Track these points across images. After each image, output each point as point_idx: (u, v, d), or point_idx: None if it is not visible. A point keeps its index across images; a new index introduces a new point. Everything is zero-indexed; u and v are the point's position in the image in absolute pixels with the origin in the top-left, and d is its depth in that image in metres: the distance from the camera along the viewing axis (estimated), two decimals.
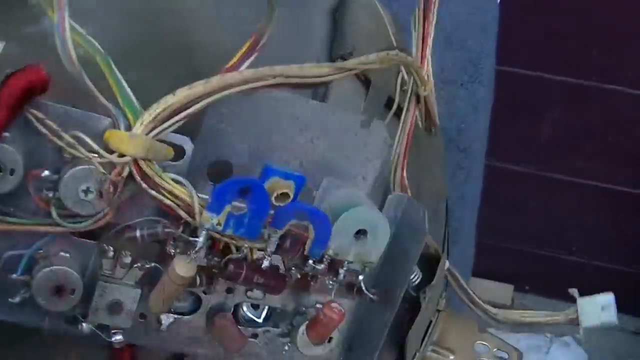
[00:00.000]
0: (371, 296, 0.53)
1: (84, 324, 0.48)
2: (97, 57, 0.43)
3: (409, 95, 0.59)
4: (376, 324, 0.55)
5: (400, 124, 0.59)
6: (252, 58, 0.48)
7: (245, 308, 0.54)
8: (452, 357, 0.58)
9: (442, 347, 0.62)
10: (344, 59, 0.57)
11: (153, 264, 0.48)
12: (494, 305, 1.65)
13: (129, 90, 0.45)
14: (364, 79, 0.60)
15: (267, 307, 0.55)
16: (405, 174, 0.58)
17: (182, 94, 0.45)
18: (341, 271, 0.51)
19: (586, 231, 2.00)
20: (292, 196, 0.50)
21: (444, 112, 0.84)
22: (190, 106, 0.46)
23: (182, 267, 0.47)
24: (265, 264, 0.49)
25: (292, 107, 0.51)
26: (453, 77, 0.80)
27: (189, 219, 0.47)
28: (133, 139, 0.44)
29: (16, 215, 0.45)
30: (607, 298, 0.57)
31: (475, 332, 0.61)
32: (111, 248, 0.47)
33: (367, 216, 0.50)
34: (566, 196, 1.90)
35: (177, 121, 0.46)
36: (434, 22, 0.60)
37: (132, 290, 0.48)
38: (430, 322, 0.62)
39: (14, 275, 0.46)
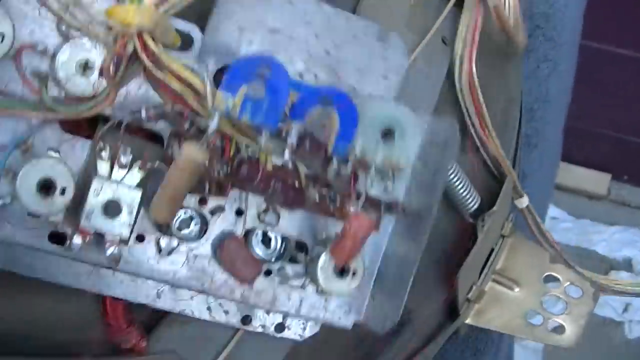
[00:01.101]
0: (402, 208, 0.47)
1: (74, 239, 0.41)
2: None
3: None
4: (407, 254, 0.48)
5: (464, 12, 0.51)
6: None
7: (255, 243, 0.47)
8: (517, 289, 0.50)
9: (506, 277, 0.54)
10: None
11: (157, 162, 0.42)
12: (589, 196, 1.53)
13: None
14: None
15: (280, 243, 0.48)
16: (474, 68, 0.51)
17: None
18: (368, 178, 0.45)
19: None
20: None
21: None
22: None
23: (193, 150, 0.40)
24: (286, 156, 0.42)
25: (307, 11, 0.46)
26: None
27: (199, 110, 0.41)
28: (140, 9, 0.39)
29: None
30: None
31: (546, 262, 0.53)
32: (108, 146, 0.41)
33: (394, 112, 0.45)
34: None
35: None
36: None
37: (132, 190, 0.41)
38: (492, 249, 0.55)
39: None
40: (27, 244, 0.41)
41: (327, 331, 0.49)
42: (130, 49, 0.40)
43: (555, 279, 0.50)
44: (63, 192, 0.40)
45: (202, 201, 0.45)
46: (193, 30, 0.43)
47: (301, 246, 0.48)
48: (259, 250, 0.47)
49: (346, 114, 0.43)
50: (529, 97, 0.72)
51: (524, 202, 0.55)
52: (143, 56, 0.40)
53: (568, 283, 0.47)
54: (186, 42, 0.43)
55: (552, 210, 1.59)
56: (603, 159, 1.79)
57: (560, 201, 1.63)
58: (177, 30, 0.42)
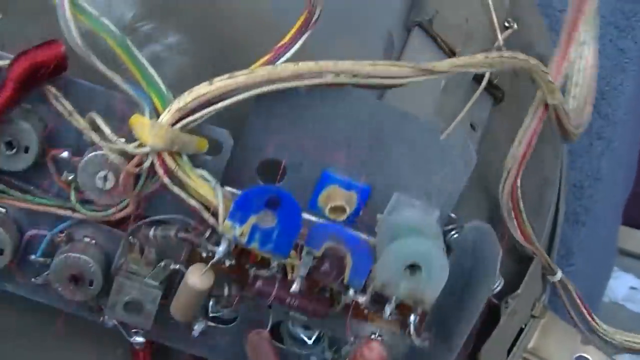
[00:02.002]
0: (421, 342, 0.44)
1: (105, 319, 0.45)
2: (107, 38, 0.38)
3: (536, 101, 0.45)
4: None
5: (522, 129, 0.46)
6: (306, 35, 0.41)
7: (292, 324, 0.47)
8: None
9: (537, 357, 0.54)
10: (421, 26, 0.47)
11: (178, 266, 0.43)
12: None
13: (154, 74, 0.40)
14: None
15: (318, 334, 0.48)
16: (518, 185, 0.46)
17: (220, 83, 0.39)
18: (387, 307, 0.43)
19: None
20: (349, 210, 0.43)
21: None
22: (228, 97, 0.40)
23: (196, 279, 0.42)
24: (295, 287, 0.42)
25: (358, 107, 0.42)
26: (600, 29, 0.59)
27: (214, 224, 0.41)
28: (154, 128, 0.39)
29: (36, 195, 0.43)
30: None
31: (577, 343, 0.53)
32: (137, 241, 0.43)
33: (420, 249, 0.41)
34: None
35: (209, 112, 0.40)
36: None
37: (153, 290, 0.43)
38: (522, 329, 0.54)
39: (33, 257, 0.43)
40: (70, 312, 0.46)
41: None
42: (147, 163, 0.40)
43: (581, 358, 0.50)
44: (91, 283, 0.43)
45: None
46: (223, 136, 0.42)
47: (333, 342, 0.47)
48: (298, 330, 0.47)
49: (359, 257, 0.41)
50: (580, 175, 0.70)
51: (556, 277, 0.54)
52: (160, 173, 0.40)
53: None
54: (216, 147, 0.42)
55: (632, 280, 1.46)
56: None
57: (629, 266, 1.43)
58: (206, 135, 0.41)
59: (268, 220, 0.40)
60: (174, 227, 0.42)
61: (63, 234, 0.44)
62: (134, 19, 0.44)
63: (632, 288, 1.51)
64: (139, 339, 0.45)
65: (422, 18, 0.48)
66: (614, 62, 0.82)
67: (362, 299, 0.42)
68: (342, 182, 0.43)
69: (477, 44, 0.50)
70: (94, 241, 0.44)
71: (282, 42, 0.41)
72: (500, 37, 0.52)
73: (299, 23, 0.40)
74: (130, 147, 0.39)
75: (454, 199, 0.44)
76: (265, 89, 0.40)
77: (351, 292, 0.42)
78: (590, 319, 0.53)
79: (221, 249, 0.41)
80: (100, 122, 0.40)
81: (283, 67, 0.40)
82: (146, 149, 0.39)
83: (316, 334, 0.47)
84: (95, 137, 0.40)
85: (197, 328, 0.45)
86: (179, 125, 0.40)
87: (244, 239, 0.40)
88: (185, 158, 0.41)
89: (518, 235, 0.49)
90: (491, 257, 0.43)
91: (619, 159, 0.78)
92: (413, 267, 0.41)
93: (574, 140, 0.50)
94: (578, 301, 0.53)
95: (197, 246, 0.42)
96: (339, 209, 0.43)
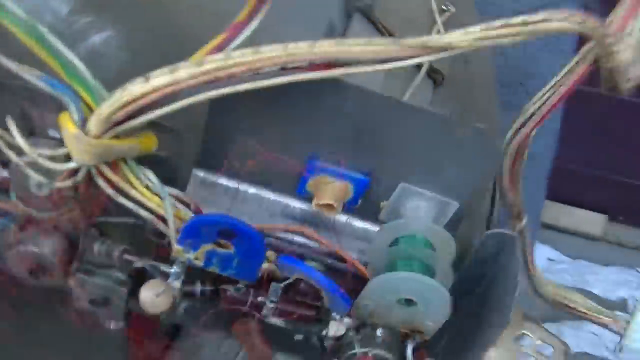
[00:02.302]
0: None
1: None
2: (9, 25, 0.30)
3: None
4: None
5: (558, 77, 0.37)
6: (264, 11, 0.32)
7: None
8: (491, 349, 0.43)
9: None
10: (362, 11, 0.43)
11: (142, 265, 0.37)
12: (585, 237, 1.57)
13: (79, 64, 0.31)
14: None
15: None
16: (532, 134, 0.38)
17: (159, 80, 0.31)
18: (379, 333, 0.36)
19: None
20: (338, 207, 0.36)
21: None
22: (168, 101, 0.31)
23: (150, 302, 0.35)
24: (265, 311, 0.36)
25: (341, 99, 0.35)
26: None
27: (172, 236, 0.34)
28: (80, 142, 0.31)
29: None
30: None
31: (519, 320, 0.45)
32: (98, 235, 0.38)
33: (416, 287, 0.34)
34: None
35: (147, 119, 0.32)
36: None
37: (117, 289, 0.38)
38: None
39: None
40: None
41: None
42: (80, 176, 0.33)
43: (527, 337, 0.43)
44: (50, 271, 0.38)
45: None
46: (174, 134, 0.35)
47: None
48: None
49: (334, 300, 0.35)
50: None
51: (522, 223, 0.46)
52: (101, 184, 0.33)
53: (539, 341, 0.41)
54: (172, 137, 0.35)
55: (549, 252, 1.57)
56: (599, 200, 1.75)
57: (557, 242, 1.58)
58: (160, 126, 0.34)
59: (224, 247, 0.33)
60: (118, 247, 0.36)
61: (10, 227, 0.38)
62: (70, 14, 0.36)
63: (550, 259, 1.60)
64: (112, 324, 0.40)
65: (362, 3, 0.43)
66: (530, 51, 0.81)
67: (347, 322, 0.36)
68: (331, 172, 0.36)
69: (416, 28, 0.47)
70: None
71: (238, 20, 0.31)
72: (439, 20, 0.47)
73: (252, 1, 0.31)
74: (55, 165, 0.32)
75: (476, 193, 0.38)
76: (214, 93, 0.31)
77: (334, 314, 0.36)
78: (531, 267, 0.46)
79: (174, 270, 0.35)
80: (17, 137, 0.32)
81: (237, 55, 0.30)
82: (73, 164, 0.32)
83: None
84: (13, 155, 0.33)
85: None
86: (110, 134, 0.32)
87: (200, 263, 0.34)
88: (130, 162, 0.33)
89: (506, 180, 0.40)
90: (512, 268, 0.37)
91: (541, 130, 0.77)
92: (408, 300, 0.34)
93: (623, 93, 0.41)
94: (528, 248, 0.46)
95: (145, 273, 0.36)
96: (329, 207, 0.36)
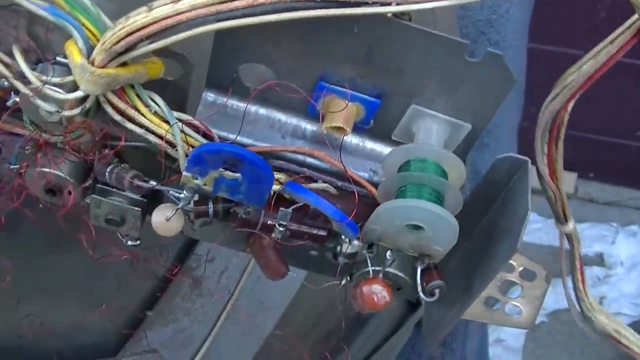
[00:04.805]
0: (430, 297, 0.37)
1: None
2: None
3: None
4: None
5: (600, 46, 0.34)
6: None
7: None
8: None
9: None
10: None
11: (153, 185, 0.37)
12: None
13: None
14: None
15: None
16: (569, 109, 0.36)
17: (160, 11, 0.31)
18: (389, 256, 0.37)
19: None
20: (348, 129, 0.36)
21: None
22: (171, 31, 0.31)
23: (162, 226, 0.36)
24: (276, 234, 0.37)
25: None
26: None
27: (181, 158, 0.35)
28: (85, 72, 0.32)
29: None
30: None
31: None
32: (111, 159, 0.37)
33: (424, 216, 0.34)
34: (628, 80, 1.64)
35: (150, 49, 0.32)
36: None
37: (132, 209, 0.38)
38: None
39: (9, 166, 0.38)
40: None
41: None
42: (89, 104, 0.33)
43: (510, 265, 0.43)
44: (70, 192, 0.38)
45: None
46: (181, 59, 0.35)
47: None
48: None
49: (342, 227, 0.35)
50: None
51: (568, 227, 0.43)
52: (108, 111, 0.34)
53: (522, 268, 0.41)
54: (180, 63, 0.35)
55: None
56: (568, 158, 1.51)
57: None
58: (168, 52, 0.34)
59: (231, 175, 0.34)
60: (129, 172, 0.36)
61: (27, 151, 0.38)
62: None
63: None
64: (131, 242, 0.41)
65: None
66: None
67: (357, 243, 0.37)
68: (341, 93, 0.36)
69: None
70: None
71: None
72: None
73: None
74: (62, 95, 0.33)
75: (488, 116, 0.37)
76: (226, 24, 0.31)
77: (344, 240, 0.37)
78: (582, 286, 0.43)
79: (184, 196, 0.35)
80: (24, 67, 0.33)
81: None
82: (80, 93, 0.33)
83: None
84: (21, 86, 0.33)
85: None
86: (115, 62, 0.32)
87: (209, 189, 0.34)
88: (137, 87, 0.34)
89: (543, 169, 0.40)
90: (524, 193, 0.37)
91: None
92: (416, 226, 0.34)
93: None
94: (577, 261, 0.43)
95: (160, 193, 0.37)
96: (339, 130, 0.36)
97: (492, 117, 0.37)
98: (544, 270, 0.42)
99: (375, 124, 0.38)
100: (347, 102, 0.36)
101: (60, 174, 0.37)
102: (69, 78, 0.33)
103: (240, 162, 0.33)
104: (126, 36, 0.31)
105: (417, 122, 0.37)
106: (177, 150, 0.34)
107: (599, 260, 1.70)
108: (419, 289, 0.37)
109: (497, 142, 0.76)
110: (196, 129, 0.35)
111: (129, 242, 0.41)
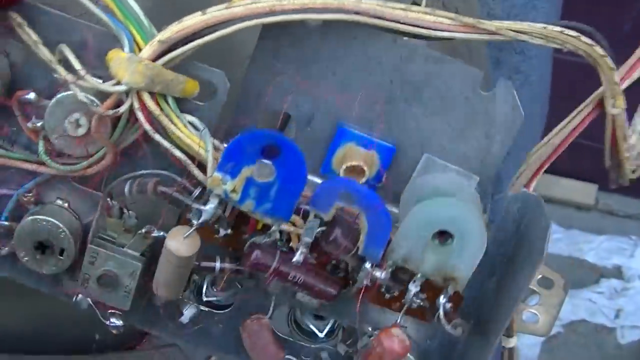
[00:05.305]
0: (453, 330, 0.37)
1: (78, 298, 0.38)
2: None
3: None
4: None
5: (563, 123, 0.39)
6: None
7: (300, 313, 0.41)
8: None
9: None
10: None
11: (162, 233, 0.36)
12: (577, 206, 1.59)
13: (133, 3, 0.33)
14: None
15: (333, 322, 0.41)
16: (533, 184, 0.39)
17: (216, 13, 0.33)
18: (412, 287, 0.35)
19: None
20: (368, 172, 0.36)
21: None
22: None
23: (176, 243, 0.34)
24: (297, 257, 0.35)
25: (381, 49, 0.35)
26: None
27: (202, 179, 0.35)
28: (132, 63, 0.32)
29: (7, 149, 0.36)
30: None
31: None
32: (115, 204, 0.36)
33: (454, 213, 0.33)
34: None
35: (198, 44, 0.33)
36: None
37: (132, 262, 0.36)
38: None
39: None
40: (31, 286, 0.39)
41: None
42: (125, 106, 0.33)
43: None
44: (61, 252, 0.36)
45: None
46: (217, 76, 0.35)
47: (351, 332, 0.41)
48: (308, 321, 0.40)
49: (376, 218, 0.34)
50: None
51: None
52: (140, 117, 0.34)
53: (540, 276, 0.41)
54: (209, 92, 0.35)
55: None
56: (590, 170, 1.74)
57: (550, 213, 1.48)
58: (197, 77, 0.34)
59: (265, 173, 0.33)
60: (152, 180, 0.35)
61: (31, 194, 0.37)
62: None
63: None
64: (117, 322, 0.38)
65: None
66: (525, 0, 0.83)
67: (379, 275, 0.35)
68: (361, 139, 0.36)
69: None
70: (66, 204, 0.37)
71: None
72: None
73: None
74: (104, 85, 0.33)
75: (496, 164, 0.37)
76: (266, 19, 0.32)
77: (367, 265, 0.35)
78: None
79: (209, 207, 0.34)
80: (69, 55, 0.33)
81: None
82: (122, 87, 0.33)
83: (329, 325, 0.40)
84: (62, 70, 0.33)
85: (187, 313, 0.39)
86: (162, 60, 0.33)
87: (236, 196, 0.33)
88: (171, 101, 0.34)
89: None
90: (540, 231, 0.36)
91: (536, 91, 0.82)
92: (443, 235, 0.34)
93: (625, 180, 0.42)
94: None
95: (180, 205, 0.35)
96: (357, 170, 0.36)
97: (497, 166, 0.37)
98: (562, 279, 0.42)
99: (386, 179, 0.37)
100: (367, 150, 0.36)
101: (59, 224, 0.36)
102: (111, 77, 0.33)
103: (278, 153, 0.32)
104: (181, 30, 0.32)
105: (427, 176, 0.37)
106: (196, 172, 0.34)
107: (617, 272, 1.70)
108: (444, 320, 0.36)
109: (520, 149, 0.79)
110: None
111: (113, 321, 0.38)
